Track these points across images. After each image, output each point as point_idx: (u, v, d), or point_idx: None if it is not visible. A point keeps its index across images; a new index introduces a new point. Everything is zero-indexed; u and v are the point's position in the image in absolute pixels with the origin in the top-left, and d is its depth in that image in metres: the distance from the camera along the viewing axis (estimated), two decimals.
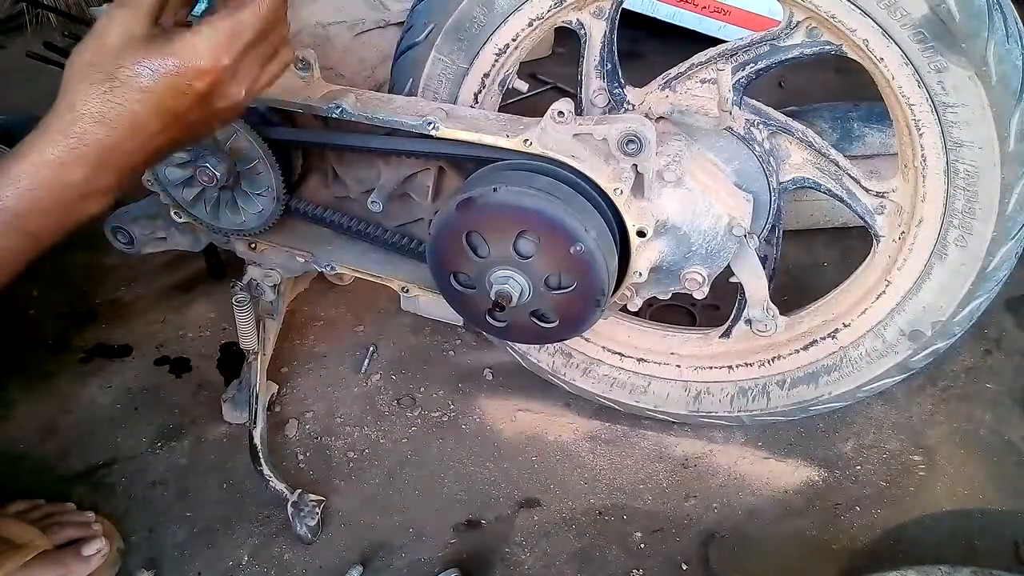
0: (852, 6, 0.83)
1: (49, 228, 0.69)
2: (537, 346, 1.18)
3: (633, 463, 1.16)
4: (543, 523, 1.08)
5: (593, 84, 1.00)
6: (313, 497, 1.07)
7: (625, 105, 1.00)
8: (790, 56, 0.92)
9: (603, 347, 1.17)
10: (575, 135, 0.86)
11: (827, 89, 1.94)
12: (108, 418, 1.24)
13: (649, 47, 2.12)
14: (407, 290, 1.05)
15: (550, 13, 0.94)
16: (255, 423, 1.11)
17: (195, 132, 0.74)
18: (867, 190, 0.98)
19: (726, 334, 1.11)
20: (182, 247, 1.18)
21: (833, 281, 1.09)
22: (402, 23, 1.02)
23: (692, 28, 2.03)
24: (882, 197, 0.98)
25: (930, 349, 1.02)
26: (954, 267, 0.95)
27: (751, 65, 0.94)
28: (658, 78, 1.00)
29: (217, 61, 0.70)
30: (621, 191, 0.86)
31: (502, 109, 1.02)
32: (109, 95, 0.67)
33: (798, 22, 0.90)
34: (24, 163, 0.67)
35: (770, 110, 0.98)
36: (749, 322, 1.06)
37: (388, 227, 1.04)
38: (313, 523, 1.05)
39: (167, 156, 0.78)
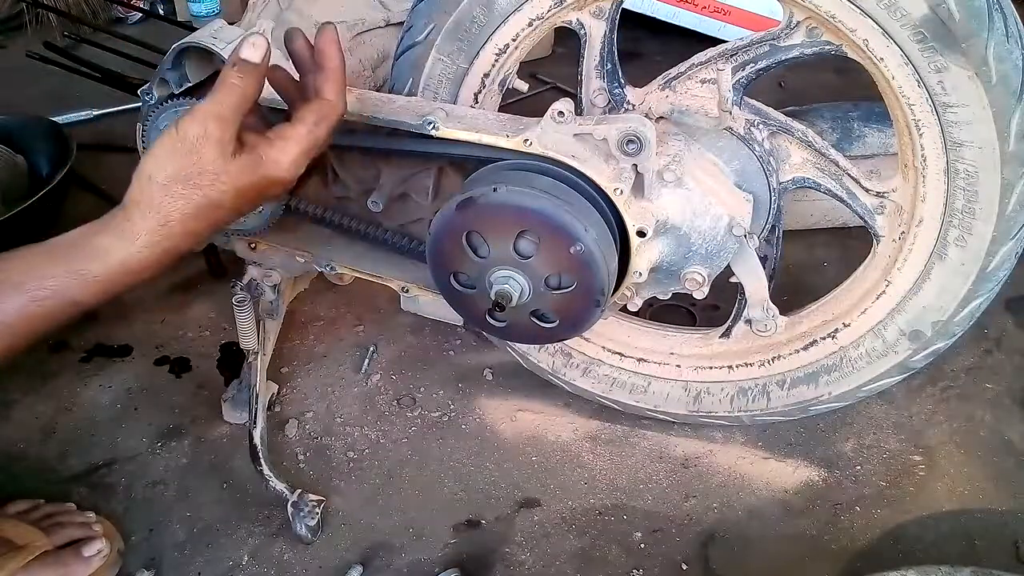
0: (852, 6, 0.83)
1: (100, 302, 0.73)
2: (537, 346, 1.18)
3: (633, 463, 1.16)
4: (543, 523, 1.08)
5: (593, 84, 1.00)
6: (313, 497, 1.07)
7: (625, 105, 1.00)
8: (790, 56, 0.92)
9: (603, 347, 1.17)
10: (575, 135, 0.86)
11: (827, 89, 1.94)
12: (108, 418, 1.24)
13: (649, 47, 2.13)
14: (407, 290, 1.05)
15: (550, 13, 0.94)
16: (255, 423, 1.11)
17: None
18: (867, 190, 0.98)
19: (726, 334, 1.11)
20: None
21: (833, 281, 1.09)
22: (402, 23, 1.02)
23: (692, 28, 2.03)
24: (882, 197, 0.98)
25: (930, 349, 1.02)
26: (954, 267, 0.95)
27: (751, 65, 0.94)
28: (658, 78, 1.00)
29: (297, 173, 0.76)
30: (621, 191, 0.86)
31: (502, 109, 1.02)
32: (202, 212, 0.72)
33: (798, 22, 0.90)
34: (101, 266, 0.71)
35: (770, 110, 0.98)
36: (749, 322, 1.06)
37: (388, 227, 1.04)
38: (313, 523, 1.05)
39: None
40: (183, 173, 0.70)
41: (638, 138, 0.83)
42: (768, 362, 1.11)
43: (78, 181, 1.64)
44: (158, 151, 0.70)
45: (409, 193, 1.02)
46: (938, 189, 0.92)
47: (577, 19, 0.96)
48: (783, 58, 0.93)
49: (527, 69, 1.90)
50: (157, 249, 0.71)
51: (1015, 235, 0.91)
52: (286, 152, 0.75)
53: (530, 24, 0.95)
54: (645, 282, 0.94)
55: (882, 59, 0.86)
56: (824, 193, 1.00)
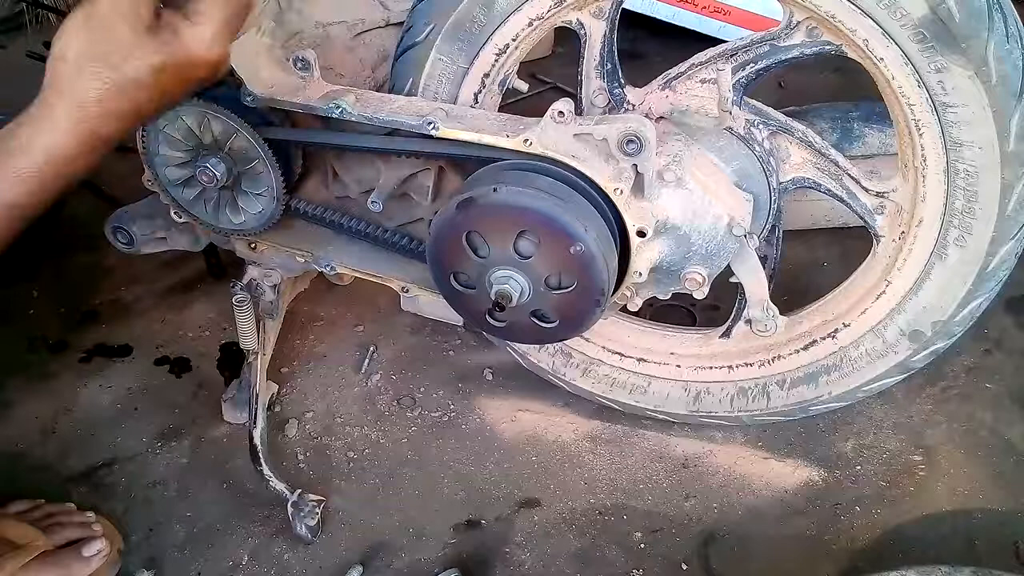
0: (852, 6, 0.83)
1: (38, 203, 0.71)
2: (537, 346, 1.18)
3: (633, 463, 1.16)
4: (543, 523, 1.08)
5: (593, 84, 1.00)
6: (313, 497, 1.07)
7: (625, 105, 1.00)
8: (790, 56, 0.92)
9: (603, 347, 1.17)
10: (575, 135, 0.86)
11: (827, 89, 1.93)
12: (108, 418, 1.24)
13: (649, 47, 2.12)
14: (407, 290, 1.05)
15: (550, 13, 0.94)
16: (255, 423, 1.11)
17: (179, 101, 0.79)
18: (867, 190, 0.98)
19: (726, 334, 1.11)
20: (182, 247, 1.18)
21: (833, 281, 1.09)
22: (402, 23, 1.02)
23: (692, 28, 2.03)
24: (882, 197, 0.98)
25: (930, 349, 1.02)
26: (954, 267, 0.95)
27: (751, 65, 0.94)
28: (658, 78, 1.00)
29: (222, 51, 0.73)
30: (621, 191, 0.86)
31: (502, 109, 1.02)
32: (121, 91, 0.69)
33: (798, 22, 0.90)
34: (26, 159, 0.68)
35: (770, 110, 0.98)
36: (749, 322, 1.06)
37: (388, 227, 1.04)
38: (313, 523, 1.05)
39: None
40: (94, 50, 0.67)
41: (638, 138, 0.83)
42: (768, 362, 1.11)
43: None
44: (69, 29, 0.68)
45: (409, 193, 1.02)
46: (938, 189, 0.92)
47: (577, 19, 0.96)
48: (783, 58, 0.93)
49: (527, 69, 1.90)
50: (79, 134, 0.69)
51: (1015, 235, 0.91)
52: (205, 28, 0.71)
53: (530, 24, 0.95)
54: (645, 282, 0.94)
55: (882, 59, 0.86)
56: (824, 193, 0.99)
